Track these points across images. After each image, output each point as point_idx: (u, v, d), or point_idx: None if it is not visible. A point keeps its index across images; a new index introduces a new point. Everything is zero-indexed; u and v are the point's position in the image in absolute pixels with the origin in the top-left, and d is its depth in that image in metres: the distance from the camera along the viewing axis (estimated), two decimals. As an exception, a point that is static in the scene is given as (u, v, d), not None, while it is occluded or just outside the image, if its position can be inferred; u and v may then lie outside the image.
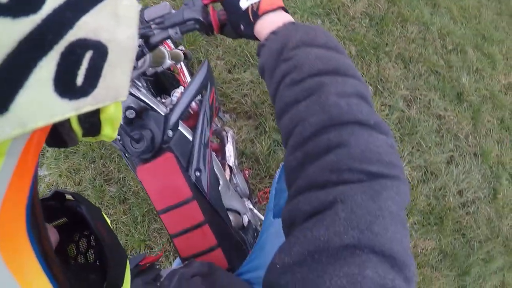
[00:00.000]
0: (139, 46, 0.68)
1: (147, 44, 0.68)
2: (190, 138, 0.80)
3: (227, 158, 1.13)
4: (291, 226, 0.39)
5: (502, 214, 2.03)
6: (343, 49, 0.48)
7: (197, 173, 0.78)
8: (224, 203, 0.85)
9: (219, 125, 1.31)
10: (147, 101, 0.76)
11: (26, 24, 0.16)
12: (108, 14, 0.21)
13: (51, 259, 0.23)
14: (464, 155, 1.90)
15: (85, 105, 0.20)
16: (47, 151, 1.88)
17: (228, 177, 1.09)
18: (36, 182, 0.22)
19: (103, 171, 1.79)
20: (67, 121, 0.23)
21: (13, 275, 0.20)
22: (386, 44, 1.95)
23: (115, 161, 1.81)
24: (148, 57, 0.74)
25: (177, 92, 0.86)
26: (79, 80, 0.19)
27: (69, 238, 0.38)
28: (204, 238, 0.76)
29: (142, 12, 0.70)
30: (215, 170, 0.87)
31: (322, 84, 0.42)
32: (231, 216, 0.89)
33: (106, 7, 0.21)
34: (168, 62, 0.89)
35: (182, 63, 1.34)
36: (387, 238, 0.32)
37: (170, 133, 0.75)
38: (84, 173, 1.79)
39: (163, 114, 0.76)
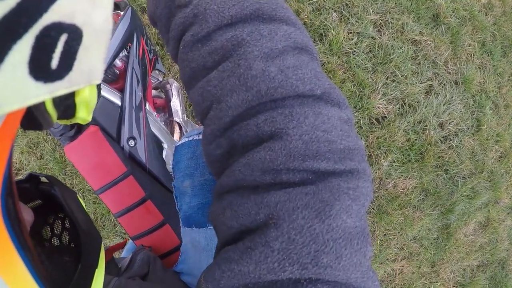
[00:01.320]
0: None
1: None
2: (119, 102, 0.71)
3: (173, 114, 1.02)
4: (217, 235, 0.32)
5: (487, 147, 1.91)
6: None
7: (131, 143, 0.70)
8: None
9: (160, 78, 1.15)
10: None
11: (0, 8, 0.16)
12: None
13: (26, 240, 0.23)
14: (444, 84, 1.73)
15: (60, 88, 0.20)
16: None
17: (178, 136, 0.99)
18: (11, 164, 0.22)
19: (61, 143, 1.66)
20: (42, 104, 0.23)
21: None
22: None
23: None
24: None
25: None
26: (54, 63, 0.19)
27: (44, 221, 0.38)
28: (149, 215, 0.70)
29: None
30: (156, 134, 0.78)
31: (240, 42, 0.30)
32: (182, 183, 0.80)
33: None
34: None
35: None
36: (340, 268, 0.25)
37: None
38: (44, 145, 1.69)
39: None
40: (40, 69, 0.19)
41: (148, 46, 0.84)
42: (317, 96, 0.29)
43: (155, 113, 0.90)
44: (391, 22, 1.64)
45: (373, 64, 1.59)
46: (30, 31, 0.18)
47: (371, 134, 1.60)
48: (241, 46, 0.30)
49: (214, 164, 0.33)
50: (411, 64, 1.66)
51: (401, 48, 1.64)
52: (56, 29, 0.19)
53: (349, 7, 1.58)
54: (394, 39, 1.64)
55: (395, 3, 1.68)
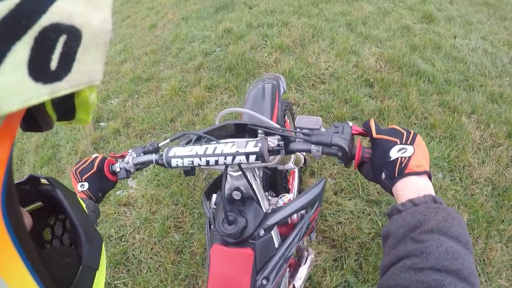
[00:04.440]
0: (279, 145, 0.74)
1: (286, 147, 0.73)
2: (277, 245, 0.83)
3: (296, 278, 1.12)
4: None
5: None
6: (471, 245, 0.50)
7: (264, 281, 0.78)
8: None
9: (304, 243, 1.32)
10: (256, 191, 0.80)
11: None
12: None
13: (27, 242, 0.24)
14: None
15: (60, 89, 0.21)
16: (146, 170, 2.12)
17: (288, 298, 1.07)
18: (11, 165, 0.23)
19: (179, 217, 1.94)
20: (42, 105, 0.24)
21: None
22: (502, 221, 1.87)
23: (193, 216, 1.94)
24: (280, 156, 0.78)
25: (286, 197, 0.91)
26: (53, 64, 0.20)
27: (44, 222, 0.40)
28: None
29: (295, 117, 0.75)
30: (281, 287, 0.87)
31: (440, 285, 0.44)
32: None
33: None
34: (291, 165, 0.94)
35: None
36: None
37: (262, 232, 0.78)
38: (162, 208, 1.96)
39: (263, 211, 0.80)
40: (39, 70, 0.20)
41: (318, 215, 0.99)
42: None
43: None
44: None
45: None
46: (29, 32, 0.18)
47: None
48: None
49: None
50: None
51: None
52: (55, 30, 0.20)
53: (485, 263, 1.69)
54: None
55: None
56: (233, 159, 0.68)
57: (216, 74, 2.92)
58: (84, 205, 0.40)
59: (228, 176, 0.79)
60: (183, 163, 0.71)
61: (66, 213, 0.35)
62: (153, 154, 0.85)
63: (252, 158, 0.67)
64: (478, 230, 1.81)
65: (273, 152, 0.73)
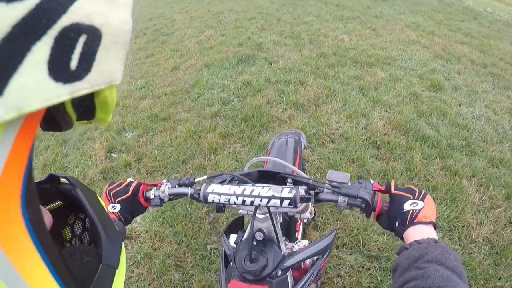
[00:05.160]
0: (310, 194, 0.83)
1: (316, 196, 0.84)
2: (290, 286, 0.90)
3: None
4: None
5: None
6: (465, 277, 0.61)
7: None
8: None
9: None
10: (278, 234, 0.90)
11: (19, 9, 0.17)
12: None
13: (47, 241, 0.24)
14: None
15: (80, 89, 0.21)
16: (152, 207, 2.14)
17: None
18: (31, 166, 0.23)
19: (180, 257, 1.99)
20: (62, 105, 0.24)
21: (8, 256, 0.21)
22: (499, 278, 1.93)
23: (195, 257, 2.00)
24: (305, 204, 0.88)
25: (301, 243, 1.00)
26: (73, 64, 0.21)
27: (64, 221, 0.41)
28: None
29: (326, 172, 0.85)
30: None
31: None
32: None
33: None
34: (307, 215, 1.04)
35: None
36: None
37: (279, 272, 0.86)
38: (165, 246, 2.01)
39: (282, 253, 0.89)
40: (59, 70, 0.20)
41: (325, 265, 1.06)
42: None
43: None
44: None
45: None
46: (49, 32, 0.19)
47: None
48: None
49: None
50: None
51: None
52: (75, 30, 0.20)
53: None
54: None
55: None
56: (268, 201, 0.77)
57: (232, 123, 3.11)
58: (104, 204, 0.40)
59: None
60: (219, 199, 0.79)
61: (86, 212, 0.36)
62: (189, 187, 0.92)
63: (286, 202, 0.75)
64: (476, 287, 1.88)
65: (303, 199, 0.83)
